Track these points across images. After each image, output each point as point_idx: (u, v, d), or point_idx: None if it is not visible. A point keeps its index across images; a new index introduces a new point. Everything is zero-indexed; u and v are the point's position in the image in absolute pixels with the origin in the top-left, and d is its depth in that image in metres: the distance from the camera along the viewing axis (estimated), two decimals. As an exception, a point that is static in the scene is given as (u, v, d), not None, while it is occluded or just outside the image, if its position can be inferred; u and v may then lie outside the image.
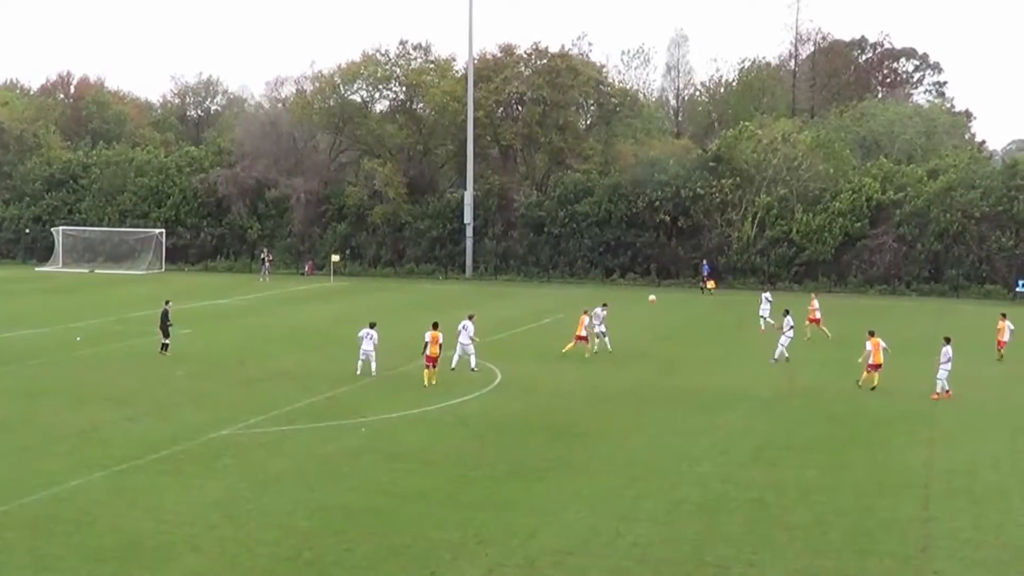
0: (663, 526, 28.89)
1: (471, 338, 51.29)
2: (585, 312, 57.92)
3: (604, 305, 59.55)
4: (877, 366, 48.43)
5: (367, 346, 49.15)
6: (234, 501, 30.40)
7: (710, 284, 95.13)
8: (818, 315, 64.27)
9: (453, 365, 50.95)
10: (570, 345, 56.38)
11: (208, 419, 40.69)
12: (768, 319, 68.56)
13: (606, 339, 57.79)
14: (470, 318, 52.12)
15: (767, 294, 73.26)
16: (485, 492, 31.74)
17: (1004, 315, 53.75)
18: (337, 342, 58.95)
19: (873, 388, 47.89)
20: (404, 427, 39.80)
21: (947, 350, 46.83)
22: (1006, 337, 52.83)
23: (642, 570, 25.97)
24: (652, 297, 54.73)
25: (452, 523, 28.73)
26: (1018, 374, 54.11)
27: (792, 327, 56.80)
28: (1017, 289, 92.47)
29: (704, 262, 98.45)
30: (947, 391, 46.63)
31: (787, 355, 56.03)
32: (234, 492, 31.24)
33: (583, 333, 56.84)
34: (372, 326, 49.72)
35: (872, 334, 49.31)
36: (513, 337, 61.33)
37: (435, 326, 48.53)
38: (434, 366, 48.13)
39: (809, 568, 26.18)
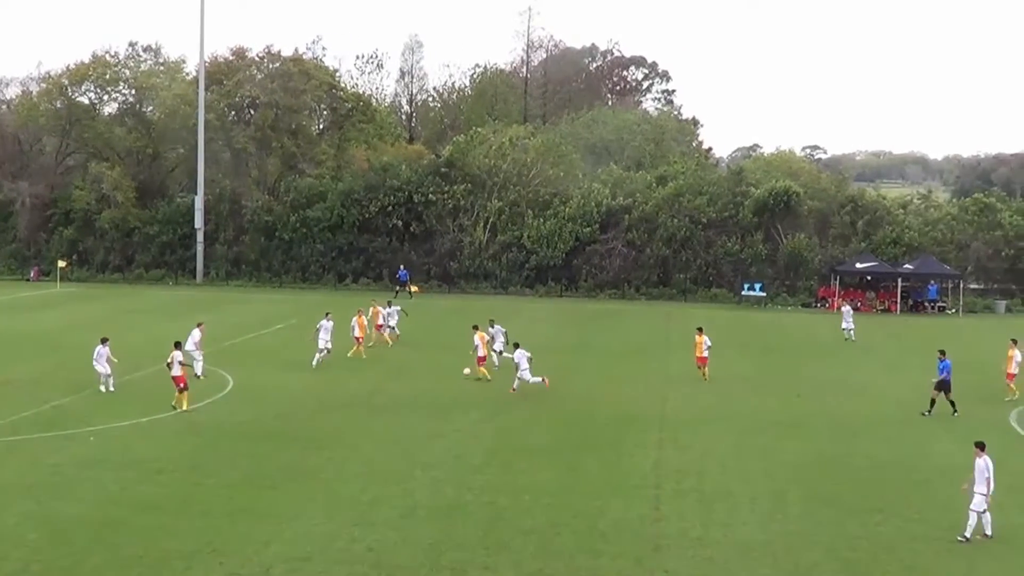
0: (398, 531, 28.82)
1: (195, 344, 50.41)
2: (360, 312, 59.00)
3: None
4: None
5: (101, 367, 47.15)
6: (-45, 514, 29.27)
7: (414, 288, 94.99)
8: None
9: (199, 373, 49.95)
10: (356, 349, 56.92)
11: (-76, 431, 39.12)
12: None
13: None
14: (199, 326, 51.20)
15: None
16: (219, 500, 31.28)
17: (700, 329, 53.82)
18: (65, 350, 57.34)
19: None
20: (135, 436, 38.93)
21: None
22: (704, 353, 52.99)
23: (378, 574, 25.84)
24: (466, 371, 53.92)
25: (185, 532, 28.30)
26: (744, 378, 55.37)
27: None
28: (743, 292, 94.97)
29: (401, 268, 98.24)
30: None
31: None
32: (-46, 505, 30.07)
33: (359, 334, 57.63)
34: (104, 342, 47.51)
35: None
36: (245, 343, 60.44)
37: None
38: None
39: (543, 570, 26.37)
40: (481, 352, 53.22)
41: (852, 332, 69.62)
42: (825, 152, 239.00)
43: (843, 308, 73.80)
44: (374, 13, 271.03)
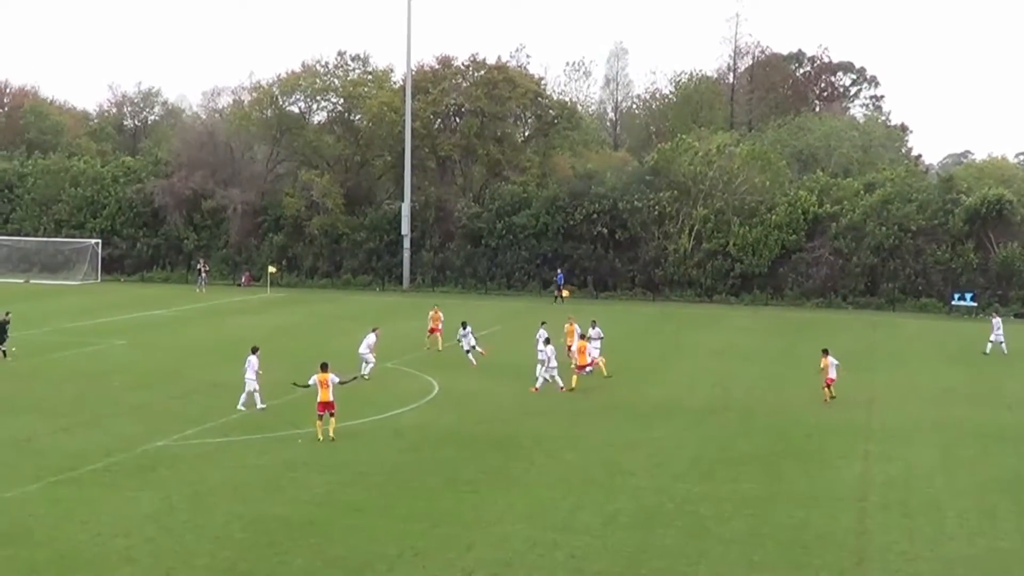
0: (599, 538, 28.97)
1: (369, 347, 51.98)
2: (571, 320, 59.31)
3: (593, 322, 58.56)
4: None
5: (249, 375, 44.96)
6: (169, 513, 30.29)
7: (565, 292, 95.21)
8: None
9: (365, 374, 51.18)
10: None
11: (143, 430, 40.49)
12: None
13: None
14: (374, 330, 52.12)
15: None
16: (421, 504, 31.72)
17: (826, 351, 51.73)
18: (274, 354, 58.44)
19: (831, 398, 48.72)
20: (340, 439, 39.55)
21: None
22: (832, 374, 51.03)
23: (578, 582, 26.06)
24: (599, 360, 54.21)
25: (388, 536, 28.74)
26: (953, 389, 54.56)
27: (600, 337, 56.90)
28: (952, 303, 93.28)
29: (559, 271, 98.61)
30: None
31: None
32: (169, 504, 31.11)
33: (570, 342, 57.13)
34: (254, 351, 45.70)
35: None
36: (450, 349, 61.23)
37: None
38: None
39: (744, 581, 26.36)
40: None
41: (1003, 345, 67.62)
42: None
43: (993, 319, 71.11)
44: (579, 20, 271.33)
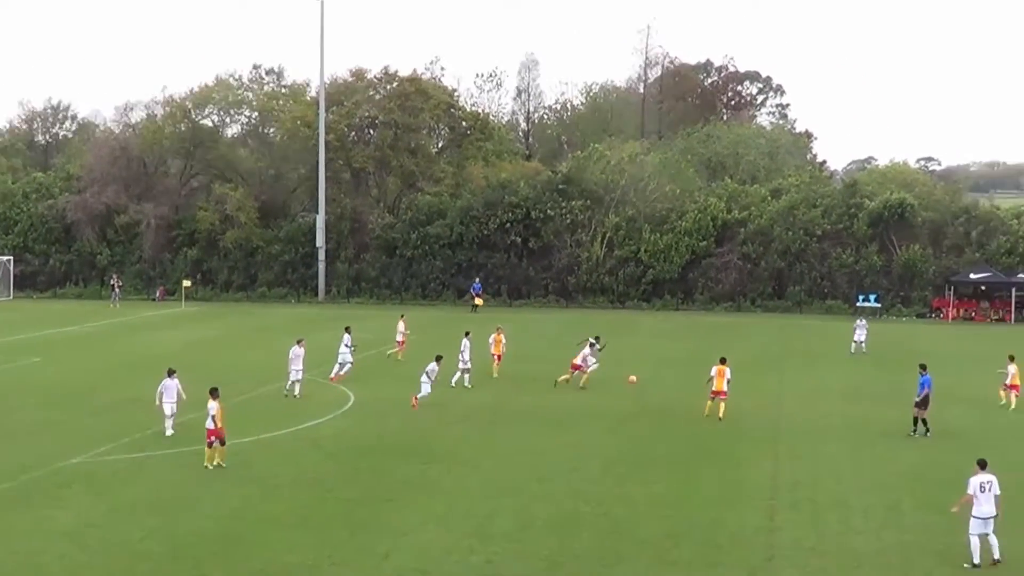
0: (516, 543, 29.36)
1: (296, 360, 51.27)
2: (499, 330, 59.45)
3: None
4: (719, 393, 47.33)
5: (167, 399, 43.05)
6: (85, 529, 30.25)
7: (478, 301, 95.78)
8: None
9: (287, 391, 51.06)
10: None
11: (58, 448, 40.26)
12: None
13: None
14: (299, 342, 52.02)
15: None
16: (339, 515, 31.97)
17: (723, 360, 51.52)
18: (189, 368, 58.40)
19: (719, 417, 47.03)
20: (257, 452, 39.71)
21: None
22: (725, 387, 51.03)
23: (496, 586, 26.46)
24: (632, 378, 54.67)
25: (306, 546, 28.93)
26: (859, 388, 55.61)
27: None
28: (857, 304, 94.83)
29: (477, 280, 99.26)
30: None
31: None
32: (85, 520, 31.08)
33: (499, 352, 57.88)
34: (171, 374, 43.36)
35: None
36: (365, 360, 61.44)
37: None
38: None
39: (659, 580, 26.87)
40: (577, 360, 54.71)
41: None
42: (939, 163, 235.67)
43: (858, 321, 72.82)
44: (491, 33, 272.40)
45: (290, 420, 45.49)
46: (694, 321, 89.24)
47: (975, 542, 28.07)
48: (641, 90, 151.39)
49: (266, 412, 47.09)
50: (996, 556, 28.19)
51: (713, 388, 47.34)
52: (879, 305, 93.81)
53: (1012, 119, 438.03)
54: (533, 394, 52.69)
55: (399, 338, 64.54)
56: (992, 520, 28.21)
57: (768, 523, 31.48)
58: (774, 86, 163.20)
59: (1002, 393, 51.98)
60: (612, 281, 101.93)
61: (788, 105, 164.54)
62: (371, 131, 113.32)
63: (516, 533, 30.30)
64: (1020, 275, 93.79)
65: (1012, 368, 52.43)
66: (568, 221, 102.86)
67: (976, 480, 28.67)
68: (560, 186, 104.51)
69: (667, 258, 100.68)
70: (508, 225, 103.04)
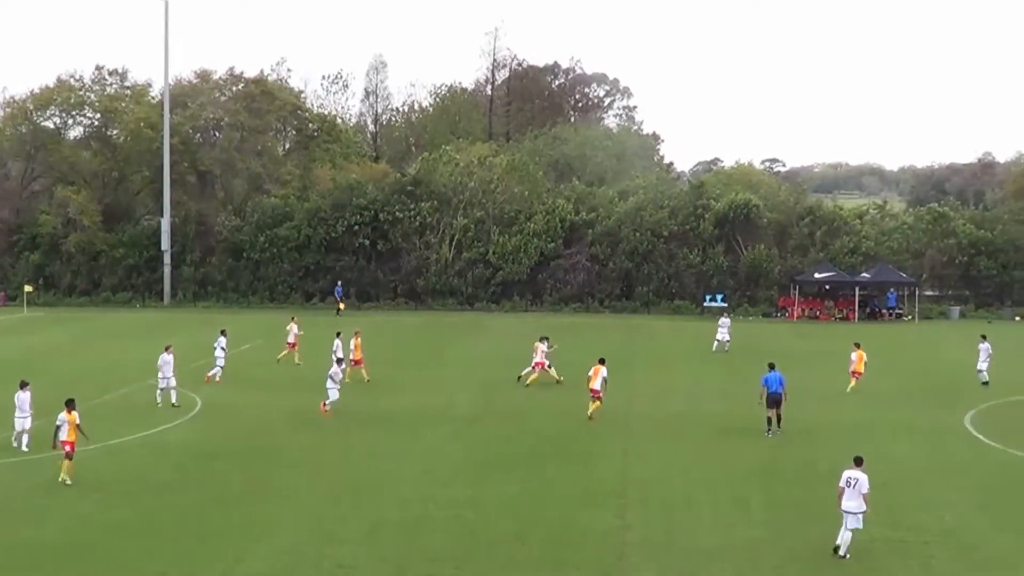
0: (366, 547, 29.34)
1: (166, 367, 50.12)
2: (357, 333, 58.73)
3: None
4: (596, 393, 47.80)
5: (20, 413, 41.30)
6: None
7: (341, 305, 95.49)
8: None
9: (158, 400, 49.97)
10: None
11: None
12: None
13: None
14: (167, 349, 51.14)
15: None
16: (188, 521, 31.66)
17: (602, 360, 52.08)
18: (32, 374, 57.35)
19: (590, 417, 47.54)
20: (104, 459, 39.13)
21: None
22: (597, 385, 51.75)
23: (347, 590, 26.39)
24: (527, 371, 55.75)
25: (155, 553, 28.61)
26: (708, 386, 56.37)
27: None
28: (704, 304, 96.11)
29: (338, 284, 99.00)
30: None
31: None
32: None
33: (356, 356, 57.34)
34: (23, 386, 41.63)
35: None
36: (213, 364, 60.84)
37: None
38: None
39: (510, 581, 26.98)
40: (538, 359, 55.71)
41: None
42: (784, 165, 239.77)
43: (721, 319, 74.38)
44: (340, 34, 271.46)
45: (137, 426, 44.84)
46: (543, 322, 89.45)
47: (846, 535, 28.90)
48: (489, 92, 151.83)
49: (113, 419, 46.30)
50: (838, 547, 28.96)
51: (589, 387, 47.79)
52: (725, 305, 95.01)
53: (855, 121, 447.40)
54: (382, 398, 52.53)
55: (290, 339, 63.72)
56: (856, 516, 28.91)
57: (618, 521, 31.76)
58: (621, 88, 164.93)
59: (853, 380, 54.93)
60: (461, 283, 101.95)
61: (635, 107, 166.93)
62: (217, 133, 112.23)
63: (366, 536, 30.27)
64: (863, 274, 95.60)
65: (854, 355, 54.51)
66: (417, 223, 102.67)
67: (844, 475, 29.45)
68: (408, 188, 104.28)
69: (516, 259, 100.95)
70: (356, 227, 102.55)
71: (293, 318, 66.94)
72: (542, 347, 56.66)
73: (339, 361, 51.52)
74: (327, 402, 48.27)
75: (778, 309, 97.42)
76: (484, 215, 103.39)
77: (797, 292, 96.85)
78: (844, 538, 28.89)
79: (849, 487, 29.08)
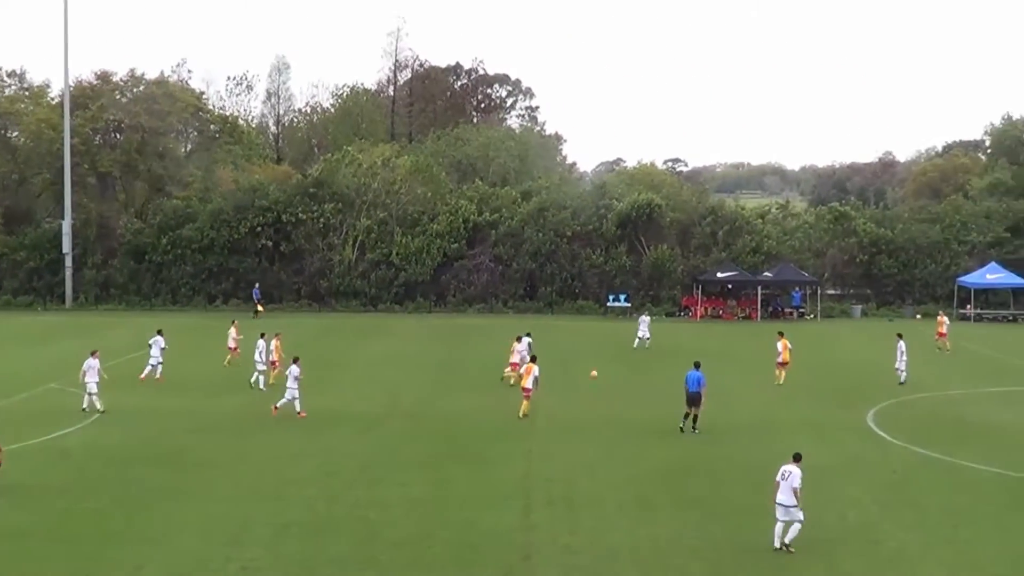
0: (270, 550, 29.22)
1: (92, 373, 49.40)
2: (278, 335, 58.53)
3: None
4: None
5: None
6: None
7: (259, 308, 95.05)
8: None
9: (86, 406, 49.09)
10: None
11: None
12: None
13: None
14: (93, 354, 50.34)
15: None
16: (90, 525, 31.38)
17: (533, 358, 52.92)
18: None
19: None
20: (4, 463, 38.58)
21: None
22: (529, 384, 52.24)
23: (251, 594, 26.27)
24: (594, 373, 55.66)
25: (57, 559, 28.34)
26: (611, 386, 56.58)
27: None
28: (608, 304, 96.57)
29: (256, 286, 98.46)
30: None
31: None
32: None
33: (275, 358, 56.97)
34: None
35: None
36: (116, 368, 60.22)
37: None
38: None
39: (415, 582, 26.98)
40: (514, 359, 55.78)
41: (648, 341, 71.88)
42: (686, 165, 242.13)
43: (641, 317, 75.27)
44: (243, 35, 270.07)
45: (38, 430, 44.29)
46: (447, 323, 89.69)
47: (777, 527, 29.51)
48: (391, 93, 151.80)
49: (14, 423, 45.70)
50: (779, 543, 29.59)
51: (521, 385, 48.70)
52: (628, 304, 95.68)
53: (756, 122, 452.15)
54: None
55: (231, 344, 63.21)
56: (787, 508, 29.47)
57: (523, 521, 31.86)
58: (523, 89, 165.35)
59: (779, 372, 57.02)
60: (364, 284, 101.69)
61: (537, 108, 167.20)
62: (117, 135, 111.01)
63: (271, 539, 30.14)
64: (765, 274, 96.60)
65: (780, 344, 55.83)
66: (320, 225, 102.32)
67: (780, 469, 30.14)
68: (311, 189, 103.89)
69: (419, 261, 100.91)
70: (259, 229, 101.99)
71: (233, 322, 66.37)
72: (519, 347, 56.88)
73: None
74: (282, 402, 48.35)
75: (681, 309, 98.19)
76: (387, 216, 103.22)
77: (700, 291, 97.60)
78: (777, 530, 29.49)
79: (784, 480, 29.70)
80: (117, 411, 48.72)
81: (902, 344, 58.80)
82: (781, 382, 57.00)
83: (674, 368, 59.91)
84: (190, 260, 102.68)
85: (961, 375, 62.25)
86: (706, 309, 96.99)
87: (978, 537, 30.91)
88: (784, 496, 29.50)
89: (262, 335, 56.28)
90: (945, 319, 74.36)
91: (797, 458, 30.43)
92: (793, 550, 29.29)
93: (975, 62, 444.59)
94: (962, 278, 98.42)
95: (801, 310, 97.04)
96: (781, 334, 58.07)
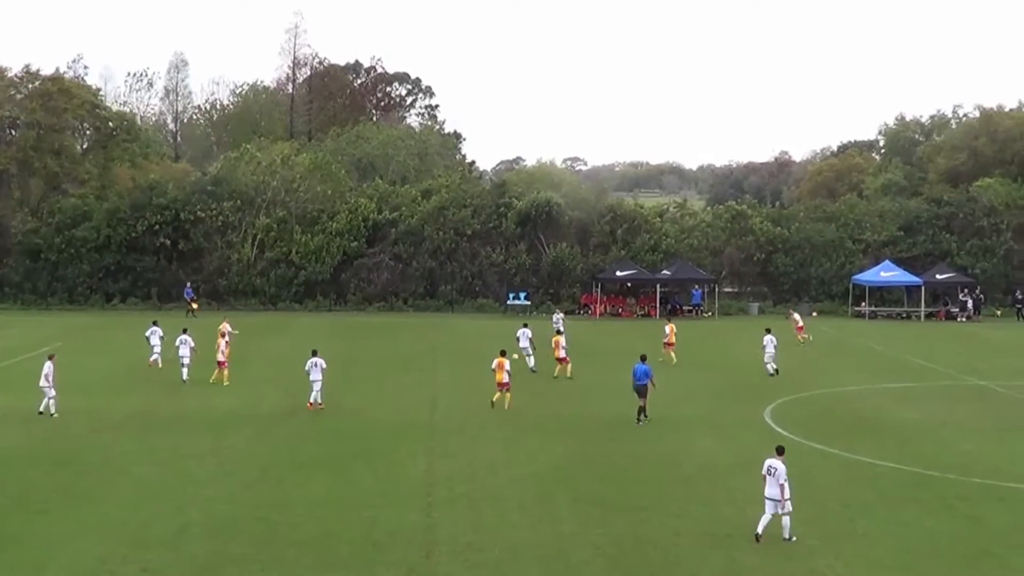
0: (171, 550, 29.07)
1: (48, 378, 48.48)
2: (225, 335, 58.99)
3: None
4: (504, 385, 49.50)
5: None
6: None
7: (194, 305, 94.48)
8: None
9: (41, 409, 48.16)
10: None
11: None
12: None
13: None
14: (50, 358, 49.43)
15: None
16: (-13, 528, 30.95)
17: (503, 352, 53.29)
18: None
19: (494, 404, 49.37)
20: None
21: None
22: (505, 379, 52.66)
23: (151, 595, 26.15)
24: (515, 355, 56.55)
25: (-48, 563, 27.95)
26: (512, 383, 56.73)
27: None
28: (508, 302, 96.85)
29: (188, 285, 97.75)
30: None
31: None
32: None
33: (221, 358, 56.96)
34: None
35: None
36: (10, 368, 59.64)
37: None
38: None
39: (318, 581, 26.99)
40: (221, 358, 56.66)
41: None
42: (586, 164, 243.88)
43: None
44: (142, 31, 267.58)
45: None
46: (347, 322, 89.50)
47: (764, 518, 30.03)
48: (290, 90, 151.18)
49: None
50: (759, 531, 30.14)
51: (496, 380, 49.33)
52: (529, 303, 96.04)
53: (655, 121, 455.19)
54: (184, 398, 52.07)
55: (226, 339, 62.25)
56: (776, 502, 29.94)
57: (425, 520, 31.94)
58: (423, 87, 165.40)
59: (668, 353, 61.04)
60: (264, 283, 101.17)
61: (437, 106, 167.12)
62: (12, 132, 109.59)
63: (172, 539, 29.99)
64: (664, 272, 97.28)
65: (667, 328, 58.34)
66: (219, 223, 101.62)
67: (765, 463, 30.59)
68: (210, 187, 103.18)
69: (319, 259, 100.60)
70: (157, 227, 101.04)
71: (225, 319, 65.79)
72: (521, 342, 59.88)
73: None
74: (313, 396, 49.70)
75: (581, 307, 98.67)
76: (287, 214, 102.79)
77: (600, 290, 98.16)
78: (763, 520, 30.02)
79: (770, 475, 30.16)
80: (12, 413, 48.16)
81: (771, 337, 59.91)
82: (674, 362, 59.75)
83: (574, 365, 60.33)
84: (87, 259, 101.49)
85: (856, 371, 63.12)
86: (606, 307, 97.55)
87: (874, 530, 31.41)
88: (774, 490, 29.99)
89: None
90: (796, 315, 77.91)
91: (780, 451, 30.98)
92: (794, 538, 29.99)
93: (870, 63, 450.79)
94: (857, 276, 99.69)
95: (700, 307, 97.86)
96: (668, 318, 60.24)
